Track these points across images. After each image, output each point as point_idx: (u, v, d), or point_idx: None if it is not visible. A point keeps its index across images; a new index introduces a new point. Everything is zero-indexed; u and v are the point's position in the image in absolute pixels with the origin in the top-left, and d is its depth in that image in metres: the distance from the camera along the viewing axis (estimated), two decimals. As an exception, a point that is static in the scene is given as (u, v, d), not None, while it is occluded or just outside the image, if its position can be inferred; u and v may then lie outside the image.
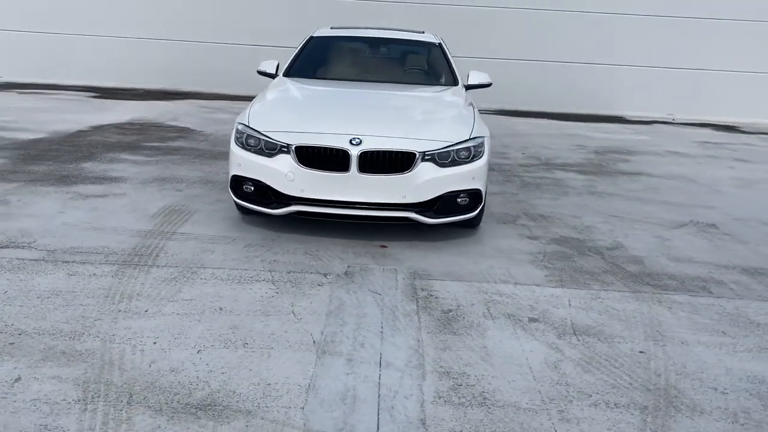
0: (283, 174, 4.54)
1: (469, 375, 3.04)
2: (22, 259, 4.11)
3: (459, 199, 4.73)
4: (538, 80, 13.74)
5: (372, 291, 3.93)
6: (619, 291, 4.15)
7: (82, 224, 4.86)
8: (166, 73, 13.72)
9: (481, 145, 4.82)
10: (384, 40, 6.58)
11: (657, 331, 3.61)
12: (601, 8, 13.63)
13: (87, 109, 10.60)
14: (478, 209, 4.83)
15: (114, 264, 4.12)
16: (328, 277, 4.11)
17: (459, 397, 2.85)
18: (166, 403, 2.69)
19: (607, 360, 3.25)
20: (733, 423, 2.78)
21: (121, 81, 13.66)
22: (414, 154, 4.52)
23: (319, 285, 3.98)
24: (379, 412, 2.71)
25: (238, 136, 4.79)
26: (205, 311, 3.54)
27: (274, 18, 13.48)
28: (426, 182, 4.55)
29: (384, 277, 4.16)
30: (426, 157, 4.56)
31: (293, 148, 4.53)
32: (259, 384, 2.86)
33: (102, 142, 7.93)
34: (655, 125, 12.80)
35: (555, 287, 4.15)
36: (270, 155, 4.60)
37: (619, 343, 3.45)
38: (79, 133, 8.41)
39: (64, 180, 6.07)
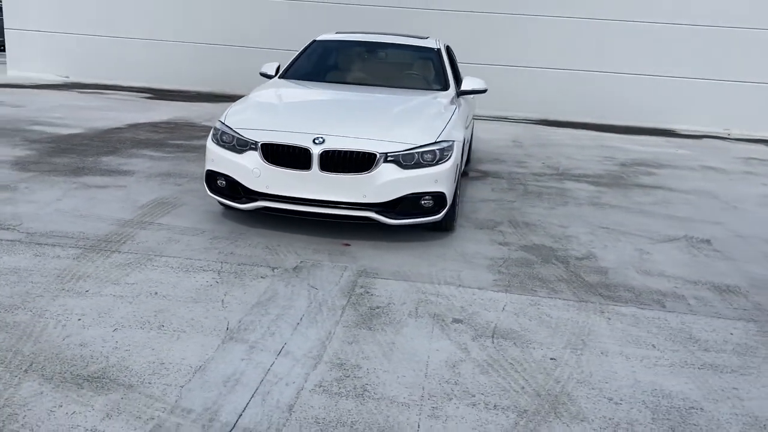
0: (250, 170, 4.72)
1: (361, 368, 3.09)
2: (0, 240, 4.45)
3: (423, 202, 4.76)
4: (583, 91, 13.46)
5: (311, 285, 4.03)
6: (564, 299, 4.08)
7: (72, 211, 5.19)
8: (218, 76, 14.29)
9: (449, 149, 4.84)
10: (383, 45, 6.67)
11: (581, 340, 3.54)
12: (652, 18, 13.22)
13: (133, 108, 11.20)
14: (443, 212, 4.84)
15: (81, 248, 4.39)
16: (275, 270, 4.24)
17: (340, 388, 2.91)
18: (59, 373, 2.88)
19: (511, 364, 3.23)
20: (609, 433, 2.72)
21: (176, 84, 14.33)
22: (375, 155, 4.60)
23: (262, 277, 4.11)
24: (254, 396, 2.80)
25: (215, 132, 5.00)
26: (140, 295, 3.73)
27: (327, 24, 13.78)
28: (387, 183, 4.62)
29: (330, 273, 4.25)
30: (389, 159, 4.63)
31: (259, 145, 4.70)
32: (153, 362, 3.02)
33: (131, 139, 8.38)
34: (705, 140, 12.31)
35: (498, 292, 4.13)
36: (240, 152, 4.79)
37: (534, 348, 3.41)
38: (114, 130, 8.91)
39: (77, 171, 6.48)
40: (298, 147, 4.62)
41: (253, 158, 4.71)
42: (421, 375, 3.07)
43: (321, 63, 6.52)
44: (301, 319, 3.56)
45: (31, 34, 15.08)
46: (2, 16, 15.48)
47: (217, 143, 4.94)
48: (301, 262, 4.42)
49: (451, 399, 2.88)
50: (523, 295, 4.10)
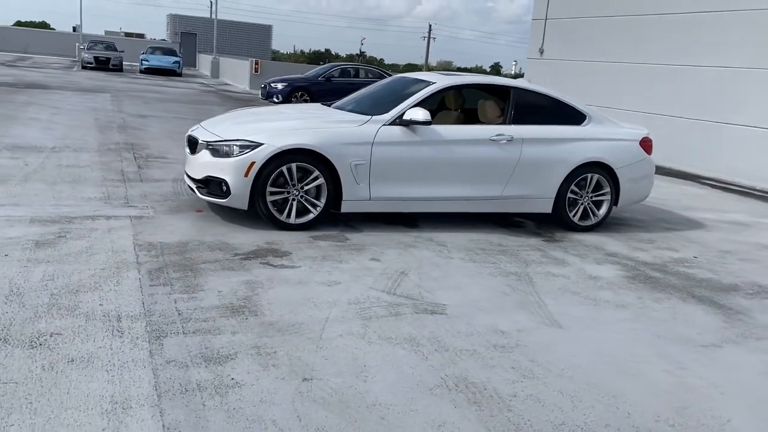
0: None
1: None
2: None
3: (222, 185, 5.67)
4: None
5: (93, 217, 5.78)
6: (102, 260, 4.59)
7: (155, 127, 8.04)
8: None
9: (247, 147, 5.56)
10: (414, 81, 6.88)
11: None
12: None
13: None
14: (227, 198, 5.64)
15: (45, 150, 7.32)
16: (124, 209, 6.07)
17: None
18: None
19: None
20: None
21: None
22: (197, 141, 5.85)
23: (90, 203, 6.12)
24: None
25: None
26: (15, 182, 6.44)
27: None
28: (198, 164, 5.87)
29: (122, 210, 5.92)
30: (209, 146, 5.79)
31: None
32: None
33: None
34: None
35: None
36: (191, 141, 6.71)
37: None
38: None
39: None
40: (187, 133, 6.31)
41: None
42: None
43: (359, 93, 7.35)
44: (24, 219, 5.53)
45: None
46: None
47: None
48: (142, 208, 6.13)
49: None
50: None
